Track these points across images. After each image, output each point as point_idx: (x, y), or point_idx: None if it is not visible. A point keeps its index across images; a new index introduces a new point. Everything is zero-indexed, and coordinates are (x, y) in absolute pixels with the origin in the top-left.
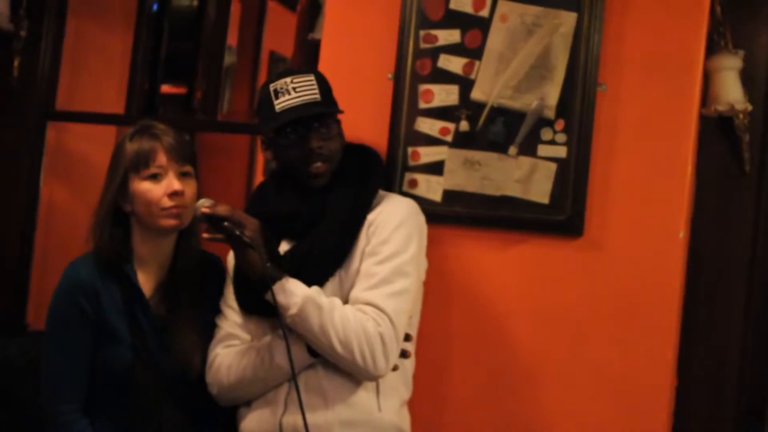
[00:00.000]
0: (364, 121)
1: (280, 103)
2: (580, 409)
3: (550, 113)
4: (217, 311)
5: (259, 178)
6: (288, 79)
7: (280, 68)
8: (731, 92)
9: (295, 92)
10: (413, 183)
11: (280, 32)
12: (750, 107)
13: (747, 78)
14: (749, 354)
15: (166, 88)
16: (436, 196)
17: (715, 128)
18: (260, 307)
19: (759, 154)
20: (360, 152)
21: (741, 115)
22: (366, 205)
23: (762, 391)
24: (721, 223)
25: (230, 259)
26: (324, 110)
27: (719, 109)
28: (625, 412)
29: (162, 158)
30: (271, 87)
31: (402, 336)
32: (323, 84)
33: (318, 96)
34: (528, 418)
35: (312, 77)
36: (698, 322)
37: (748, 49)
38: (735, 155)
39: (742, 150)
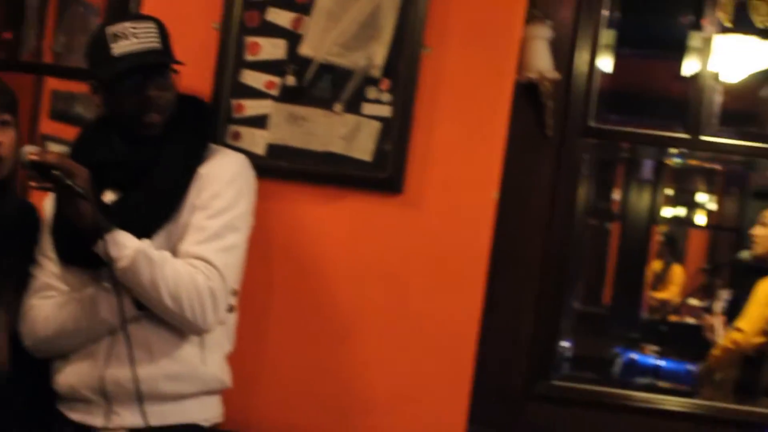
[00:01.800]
0: (185, 71)
1: (120, 48)
2: (394, 359)
3: (377, 72)
4: (34, 261)
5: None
6: (128, 24)
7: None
8: (541, 60)
9: (135, 38)
10: (236, 136)
11: None
12: (559, 76)
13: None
14: (542, 311)
15: None
16: (260, 150)
17: (522, 94)
18: (82, 258)
19: (560, 120)
20: (192, 104)
21: (546, 83)
22: (198, 157)
23: (551, 343)
24: (525, 185)
25: (47, 206)
26: (166, 59)
27: (530, 76)
28: (435, 360)
29: None
30: (109, 30)
31: (231, 291)
32: (163, 32)
33: (159, 44)
34: (346, 369)
35: (153, 24)
36: (500, 278)
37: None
38: (539, 120)
39: (545, 116)
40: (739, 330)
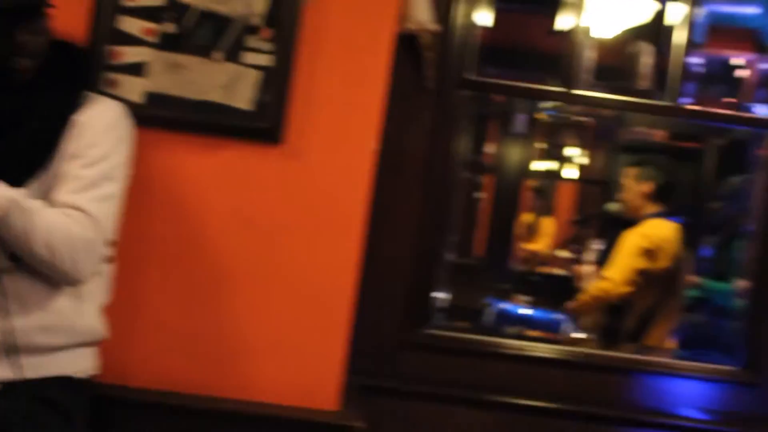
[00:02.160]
0: (58, 14)
1: None
2: (272, 308)
3: (257, 21)
4: None
5: None
6: None
7: None
8: (421, 12)
9: None
10: (113, 83)
11: None
12: (439, 28)
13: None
14: (418, 263)
15: None
16: (138, 98)
17: (402, 46)
18: None
19: (439, 72)
20: (66, 49)
21: (426, 35)
22: (72, 105)
23: (426, 294)
24: (403, 137)
25: None
26: (38, 1)
27: (410, 28)
28: (313, 309)
29: None
30: None
31: (107, 241)
32: None
33: None
34: (224, 319)
35: None
36: (377, 229)
37: None
38: (418, 72)
39: (425, 68)
40: (606, 279)
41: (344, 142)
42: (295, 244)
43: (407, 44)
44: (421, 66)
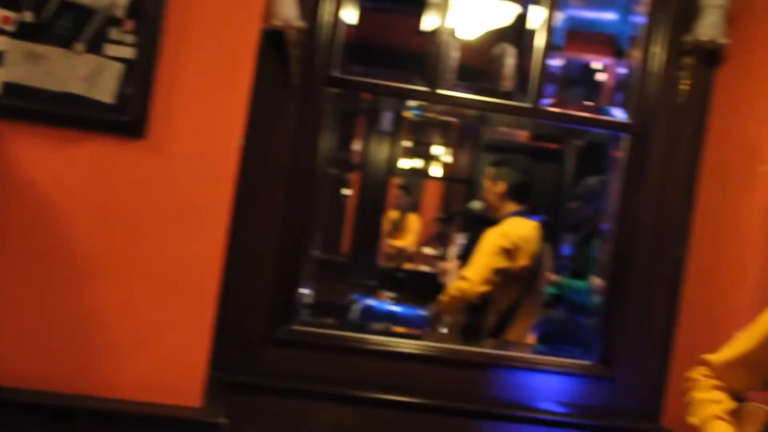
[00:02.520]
0: None
1: None
2: (135, 303)
3: (120, 13)
4: None
5: None
6: None
7: None
8: (287, 9)
9: None
10: None
11: None
12: (304, 25)
13: None
14: (283, 259)
15: None
16: None
17: (268, 42)
18: None
19: (305, 69)
20: None
21: (292, 31)
22: None
23: (291, 290)
24: (268, 133)
25: None
26: None
27: (275, 24)
28: (176, 305)
29: None
30: None
31: None
32: None
33: None
34: (85, 314)
35: None
36: (242, 225)
37: None
38: (284, 69)
39: (290, 64)
40: (464, 278)
41: (208, 137)
42: (158, 239)
43: (273, 41)
44: (287, 63)
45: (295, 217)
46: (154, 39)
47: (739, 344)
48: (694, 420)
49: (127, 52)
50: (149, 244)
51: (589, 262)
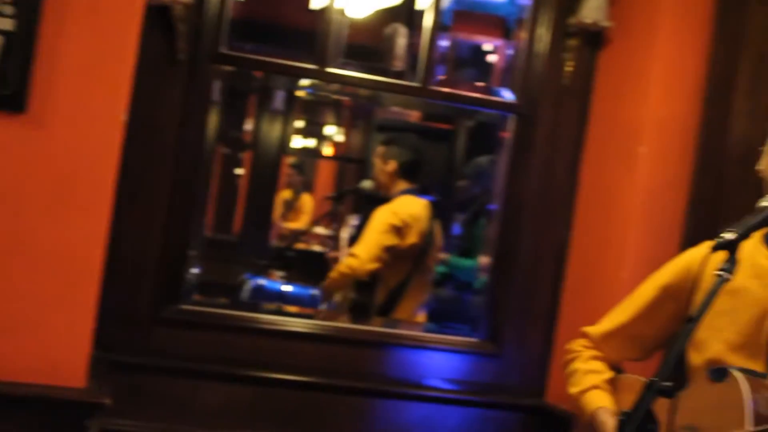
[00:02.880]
0: None
1: None
2: (14, 283)
3: None
4: None
5: None
6: None
7: None
8: None
9: None
10: None
11: None
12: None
13: None
14: (170, 238)
15: None
16: None
17: (154, 16)
18: None
19: (192, 45)
20: None
21: (178, 6)
22: None
23: (179, 269)
24: (155, 110)
25: None
26: None
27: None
28: (57, 285)
29: None
30: None
31: None
32: None
33: None
34: None
35: None
36: (127, 203)
37: None
38: (170, 44)
39: (177, 40)
40: (353, 255)
41: (91, 113)
42: (39, 217)
43: (159, 15)
44: (174, 38)
45: (182, 196)
46: (34, 11)
47: (617, 316)
48: (573, 390)
49: (6, 24)
50: (30, 222)
51: (476, 241)
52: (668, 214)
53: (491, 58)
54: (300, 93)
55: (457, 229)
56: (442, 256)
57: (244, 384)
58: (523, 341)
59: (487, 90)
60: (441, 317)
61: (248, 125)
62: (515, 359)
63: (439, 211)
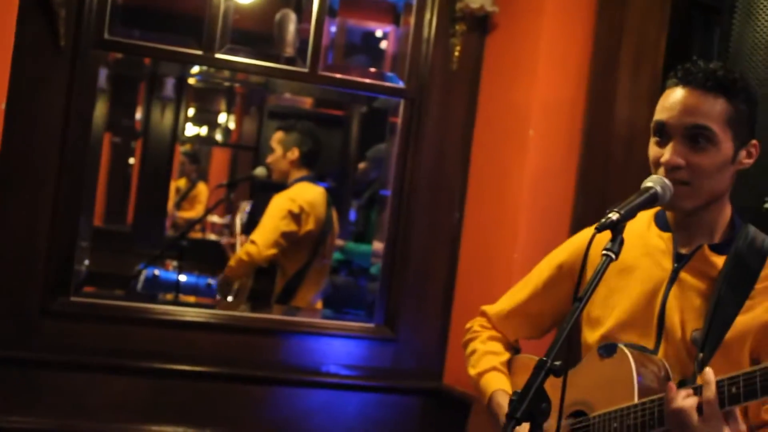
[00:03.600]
0: None
1: None
2: None
3: None
4: None
5: None
6: None
7: None
8: None
9: None
10: None
11: None
12: None
13: None
14: (57, 229)
15: None
16: None
17: (33, 1)
18: None
19: (73, 29)
20: None
21: None
22: None
23: (68, 261)
24: (37, 98)
25: None
26: None
27: None
28: None
29: None
30: None
31: None
32: None
33: None
34: None
35: None
36: (11, 194)
37: None
38: (51, 30)
39: (58, 25)
40: (252, 243)
41: None
42: None
43: (39, 1)
44: (55, 23)
45: (70, 187)
46: None
47: (515, 295)
48: (472, 372)
49: None
50: None
51: (372, 227)
52: (558, 195)
53: (383, 45)
54: (191, 80)
55: (353, 215)
56: (340, 242)
57: (140, 376)
58: (420, 325)
59: (380, 76)
60: (339, 304)
61: (139, 114)
62: (412, 343)
63: (335, 198)
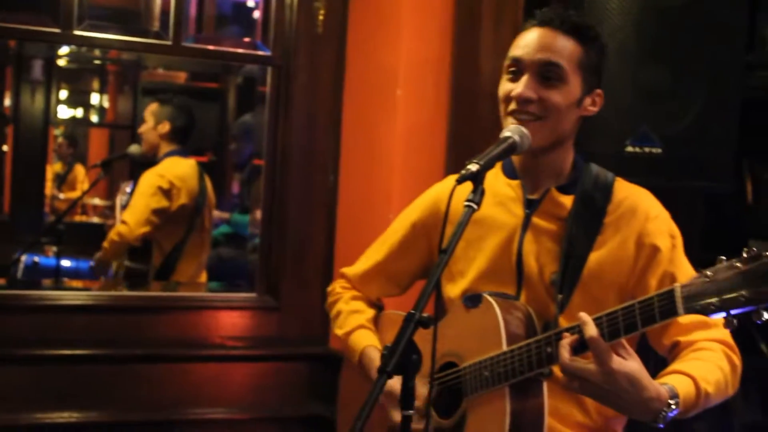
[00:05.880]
0: None
1: None
2: None
3: None
4: None
5: None
6: None
7: None
8: None
9: None
10: None
11: None
12: None
13: None
14: None
15: None
16: None
17: None
18: None
19: None
20: None
21: None
22: None
23: None
24: None
25: None
26: None
27: None
28: None
29: None
30: None
31: None
32: None
33: None
34: None
35: None
36: None
37: None
38: None
39: None
40: (124, 222)
41: None
42: None
43: None
44: None
45: None
46: None
47: (372, 256)
48: (339, 332)
49: None
50: None
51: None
52: (430, 154)
53: (256, 15)
54: (61, 62)
55: (237, 187)
56: (226, 215)
57: (21, 364)
58: (302, 291)
59: (252, 45)
60: (227, 276)
61: (8, 99)
62: (295, 310)
63: (216, 171)
